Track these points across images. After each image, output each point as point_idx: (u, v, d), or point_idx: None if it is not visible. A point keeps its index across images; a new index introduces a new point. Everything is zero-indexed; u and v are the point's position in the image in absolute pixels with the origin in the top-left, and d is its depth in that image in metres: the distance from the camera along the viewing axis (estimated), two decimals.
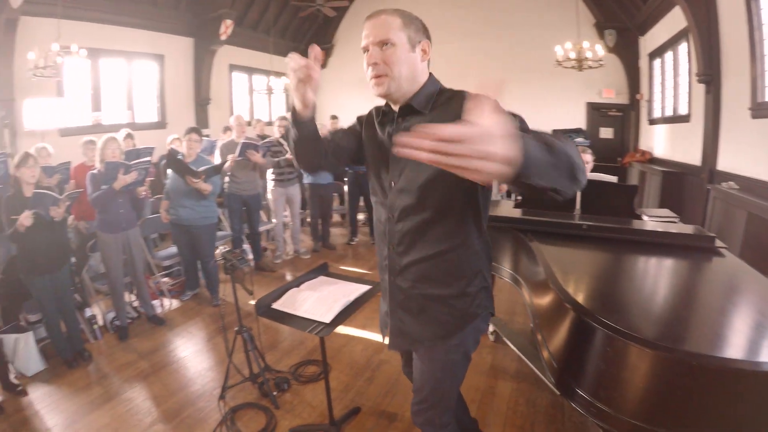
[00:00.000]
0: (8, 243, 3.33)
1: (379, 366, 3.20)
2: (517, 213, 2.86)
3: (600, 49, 6.59)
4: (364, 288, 2.22)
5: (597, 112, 8.97)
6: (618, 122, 8.86)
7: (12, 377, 3.10)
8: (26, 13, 5.49)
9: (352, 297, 2.09)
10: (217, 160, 4.92)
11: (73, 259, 3.91)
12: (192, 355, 3.52)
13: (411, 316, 1.48)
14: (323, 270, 2.51)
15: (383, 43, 1.30)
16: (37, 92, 5.83)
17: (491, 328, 3.46)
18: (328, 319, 1.90)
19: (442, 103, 1.36)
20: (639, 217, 3.13)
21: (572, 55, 6.62)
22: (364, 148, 1.55)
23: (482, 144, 0.67)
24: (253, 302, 2.24)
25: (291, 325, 1.95)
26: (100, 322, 3.87)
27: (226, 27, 8.04)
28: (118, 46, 7.02)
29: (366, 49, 1.33)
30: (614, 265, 2.24)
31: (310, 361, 3.27)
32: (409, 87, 1.35)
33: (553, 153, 0.85)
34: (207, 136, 7.32)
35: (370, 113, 1.56)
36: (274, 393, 2.82)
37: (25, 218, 2.95)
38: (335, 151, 1.53)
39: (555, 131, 8.67)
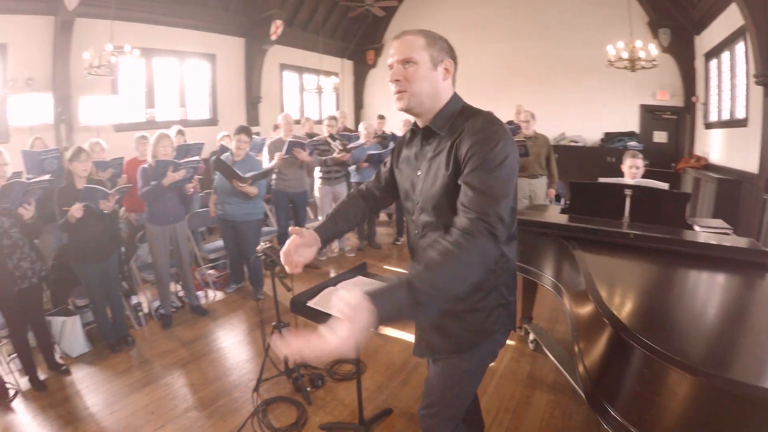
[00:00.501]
0: (60, 232, 3.53)
1: (415, 368, 3.18)
2: (562, 219, 2.78)
3: (653, 49, 6.28)
4: None
5: (651, 114, 8.57)
6: (672, 126, 8.45)
7: (57, 357, 3.31)
8: (81, 14, 5.80)
9: None
10: (265, 158, 5.03)
11: (122, 249, 4.12)
12: (231, 346, 3.62)
13: (431, 328, 1.52)
14: (362, 270, 2.50)
15: (406, 62, 1.35)
16: (92, 90, 6.16)
17: (531, 336, 3.38)
18: None
19: (460, 124, 1.37)
20: (690, 227, 2.96)
21: (624, 55, 6.34)
22: (397, 171, 1.62)
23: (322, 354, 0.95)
24: (291, 297, 2.27)
25: (322, 323, 1.95)
26: (146, 309, 4.05)
27: (276, 27, 8.22)
28: (170, 46, 7.32)
29: (391, 67, 1.39)
30: (660, 278, 2.13)
31: (347, 360, 3.28)
32: (431, 104, 1.39)
33: (417, 302, 1.02)
34: (257, 134, 7.51)
35: (403, 136, 1.61)
36: (308, 389, 2.86)
37: (76, 210, 3.12)
38: (388, 187, 1.71)
39: (607, 133, 8.43)
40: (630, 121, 8.66)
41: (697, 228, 3.08)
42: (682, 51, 7.92)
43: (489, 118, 1.34)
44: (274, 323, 2.92)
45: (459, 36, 10.56)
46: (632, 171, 3.55)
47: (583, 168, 7.08)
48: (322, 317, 1.99)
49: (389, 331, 3.69)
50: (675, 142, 8.43)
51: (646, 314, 1.64)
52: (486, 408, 2.69)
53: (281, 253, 1.51)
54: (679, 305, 1.76)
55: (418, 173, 1.45)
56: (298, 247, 1.52)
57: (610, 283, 1.87)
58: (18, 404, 2.91)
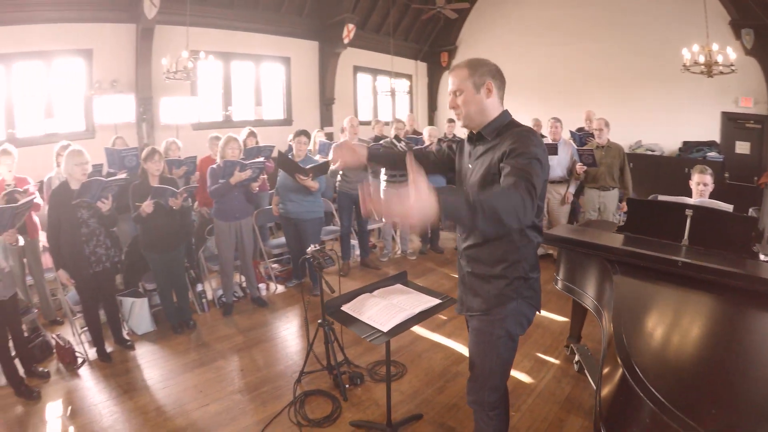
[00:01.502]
0: (133, 223, 3.92)
1: (454, 377, 3.21)
2: (610, 240, 2.68)
3: (731, 52, 5.69)
4: (433, 302, 2.27)
5: (732, 123, 7.76)
6: (755, 136, 7.59)
7: (124, 333, 3.75)
8: (160, 22, 6.34)
9: (416, 310, 2.17)
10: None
11: (193, 240, 4.52)
12: (283, 337, 3.87)
13: (466, 288, 1.89)
14: (402, 278, 2.60)
15: (456, 92, 1.75)
16: (172, 91, 6.72)
17: (576, 357, 3.28)
18: (385, 329, 2.01)
19: (504, 132, 1.70)
20: (755, 256, 2.73)
21: (701, 58, 5.84)
22: (457, 159, 1.99)
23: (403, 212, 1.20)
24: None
25: (352, 328, 2.09)
26: (209, 297, 4.43)
27: (349, 31, 8.48)
28: (247, 50, 7.80)
29: (450, 95, 1.78)
30: (703, 316, 1.95)
31: (390, 361, 3.38)
32: (480, 119, 1.74)
33: (472, 208, 1.26)
34: (331, 134, 7.78)
35: (468, 136, 1.92)
36: (346, 386, 2.99)
37: (147, 206, 3.50)
38: (440, 160, 2.09)
39: (686, 142, 7.83)
40: (710, 130, 7.92)
41: (762, 257, 2.84)
42: (767, 54, 7.17)
43: (528, 129, 1.68)
44: (319, 321, 3.08)
45: (530, 39, 10.34)
46: (699, 188, 3.34)
47: (658, 179, 6.60)
48: (351, 321, 2.12)
49: (436, 337, 3.76)
50: (758, 154, 7.59)
51: (669, 357, 1.50)
52: (516, 427, 2.65)
53: (334, 147, 2.07)
54: (717, 353, 1.55)
55: (470, 166, 1.81)
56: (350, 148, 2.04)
57: (641, 314, 1.80)
58: (84, 371, 3.36)
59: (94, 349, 3.50)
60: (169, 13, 6.36)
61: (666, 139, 8.19)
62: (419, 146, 5.57)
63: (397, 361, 3.36)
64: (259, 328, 3.99)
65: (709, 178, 3.39)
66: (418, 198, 1.18)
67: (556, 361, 3.40)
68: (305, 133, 4.61)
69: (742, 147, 7.78)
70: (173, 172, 4.57)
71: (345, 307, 2.23)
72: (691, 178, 3.46)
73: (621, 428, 1.36)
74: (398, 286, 2.52)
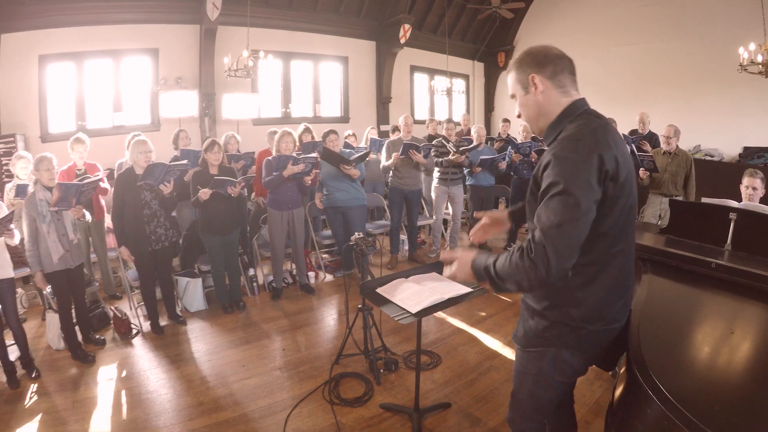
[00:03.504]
0: (193, 208, 4.22)
1: (487, 371, 3.21)
2: (645, 239, 2.60)
3: None
4: (464, 290, 2.29)
5: None
6: None
7: (178, 310, 4.04)
8: (223, 23, 6.73)
9: (446, 296, 2.20)
10: (383, 157, 5.38)
11: (248, 228, 4.79)
12: (326, 323, 4.04)
13: (521, 312, 1.66)
14: (438, 267, 2.63)
15: (513, 98, 1.53)
16: (233, 88, 7.10)
17: None
18: (414, 310, 2.07)
19: (561, 137, 1.39)
20: None
21: (759, 58, 5.41)
22: None
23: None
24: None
25: (384, 309, 2.16)
26: (260, 281, 4.69)
27: (405, 31, 8.59)
28: (305, 50, 8.12)
29: None
30: (733, 322, 1.80)
31: (425, 351, 3.43)
32: (542, 123, 1.47)
33: (490, 277, 1.39)
34: (387, 132, 7.93)
35: None
36: (381, 371, 3.09)
37: (204, 194, 3.78)
38: None
39: (746, 148, 7.23)
40: None
41: None
42: None
43: (575, 135, 1.33)
44: (359, 306, 3.20)
45: (588, 39, 10.01)
46: (748, 192, 3.19)
47: (717, 185, 6.13)
48: (383, 302, 2.20)
49: (474, 331, 3.78)
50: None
51: (687, 360, 1.41)
52: None
53: (473, 231, 1.90)
54: (742, 361, 1.46)
55: None
56: (489, 228, 1.88)
57: (665, 313, 1.72)
58: (137, 341, 3.68)
59: (149, 323, 3.82)
60: (230, 14, 6.73)
61: (726, 144, 7.61)
62: (469, 146, 5.56)
63: (432, 351, 3.42)
64: (304, 313, 4.17)
65: (759, 182, 3.21)
66: (460, 265, 1.49)
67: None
68: (333, 132, 4.77)
69: None
70: (232, 165, 4.83)
71: (380, 290, 2.31)
72: (741, 182, 3.31)
73: (627, 424, 1.34)
74: (433, 273, 2.56)
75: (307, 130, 5.73)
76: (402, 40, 8.67)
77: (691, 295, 2.04)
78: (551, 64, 1.41)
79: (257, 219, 4.97)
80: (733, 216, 2.43)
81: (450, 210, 5.86)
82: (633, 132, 6.14)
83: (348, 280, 4.72)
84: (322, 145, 4.64)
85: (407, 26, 8.54)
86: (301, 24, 7.88)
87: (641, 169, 4.72)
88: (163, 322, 3.90)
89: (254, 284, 4.59)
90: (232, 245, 4.16)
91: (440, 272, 2.60)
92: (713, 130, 7.73)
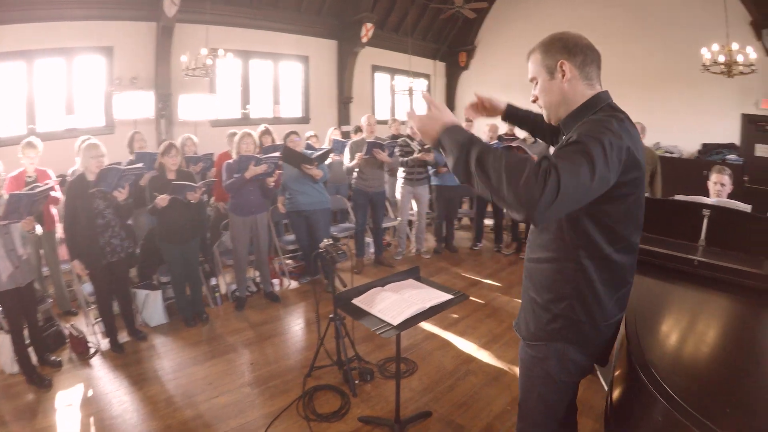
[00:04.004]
0: (149, 215, 3.98)
1: (465, 376, 3.18)
2: None
3: (752, 52, 5.49)
4: (445, 297, 2.24)
5: (753, 125, 7.49)
6: None
7: (137, 325, 3.79)
8: (180, 20, 6.44)
9: (427, 305, 2.13)
10: (346, 157, 5.27)
11: (208, 235, 4.56)
12: (294, 333, 3.88)
13: (523, 305, 1.60)
14: (414, 273, 2.57)
15: (532, 80, 1.47)
16: (191, 89, 6.82)
17: None
18: (396, 322, 1.98)
19: (583, 125, 1.31)
20: None
21: (721, 58, 5.66)
22: None
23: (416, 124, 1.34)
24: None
25: (363, 321, 2.06)
26: (223, 290, 4.46)
27: (367, 30, 8.50)
28: (265, 48, 7.88)
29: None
30: (720, 315, 1.89)
31: (401, 358, 3.36)
32: (563, 111, 1.42)
33: (481, 162, 1.16)
34: (348, 133, 7.81)
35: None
36: (356, 381, 2.97)
37: (161, 200, 3.55)
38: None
39: (705, 144, 7.63)
40: (730, 132, 7.67)
41: None
42: None
43: (608, 116, 1.29)
44: (331, 315, 3.07)
45: None
46: (717, 188, 3.27)
47: (677, 181, 6.44)
48: (361, 314, 2.10)
49: (448, 335, 3.73)
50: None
51: (683, 356, 1.46)
52: None
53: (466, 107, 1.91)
54: (733, 354, 1.52)
55: None
56: (482, 108, 1.90)
57: (654, 312, 1.73)
58: (96, 361, 3.40)
59: (107, 340, 3.55)
60: (189, 11, 6.45)
61: (685, 141, 7.98)
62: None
63: (407, 358, 3.34)
64: (270, 323, 4.00)
65: (727, 179, 3.31)
66: (434, 111, 1.30)
67: None
68: (294, 132, 4.67)
69: (763, 150, 7.52)
70: (191, 168, 4.60)
71: (356, 301, 2.20)
72: (709, 179, 3.40)
73: (632, 427, 1.32)
74: (410, 280, 2.50)
75: (266, 131, 5.56)
76: (364, 40, 8.57)
77: (676, 292, 2.05)
78: (582, 53, 1.37)
79: (218, 225, 4.76)
80: (706, 212, 2.47)
81: (415, 210, 5.83)
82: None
83: (319, 289, 4.65)
84: (284, 145, 4.49)
85: (369, 25, 8.45)
86: (261, 22, 7.64)
87: None
88: (123, 338, 3.63)
89: (217, 294, 4.37)
90: (193, 254, 3.94)
91: (417, 278, 2.54)
92: (673, 128, 8.05)
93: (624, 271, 1.41)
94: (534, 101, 1.49)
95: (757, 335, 1.72)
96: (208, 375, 3.16)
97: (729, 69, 5.67)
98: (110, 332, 3.52)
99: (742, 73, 5.67)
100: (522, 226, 6.04)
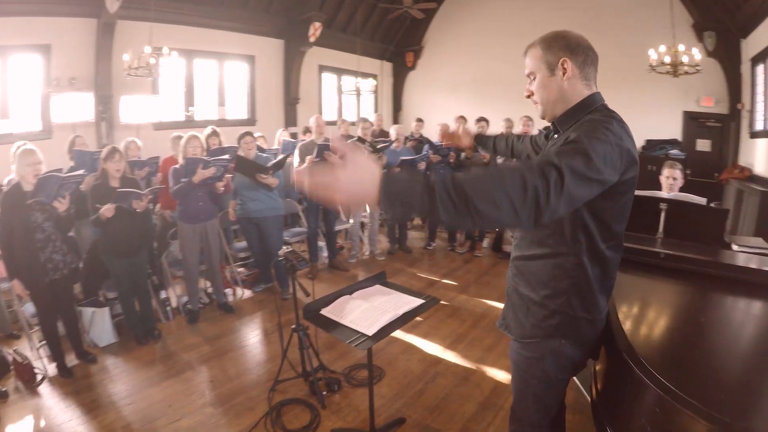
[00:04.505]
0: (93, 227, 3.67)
1: (433, 379, 3.17)
2: None
3: (697, 53, 5.96)
4: (416, 302, 2.19)
5: (694, 122, 8.15)
6: (716, 134, 8.01)
7: (85, 346, 3.49)
8: (122, 17, 6.05)
9: (400, 311, 2.07)
10: (296, 160, 5.12)
11: (155, 245, 4.28)
12: (253, 345, 3.71)
13: (510, 304, 1.61)
14: (380, 279, 2.50)
15: (530, 75, 1.45)
16: (133, 90, 6.41)
17: None
18: (371, 332, 1.90)
19: (579, 125, 1.33)
20: (728, 246, 2.82)
21: (667, 59, 6.06)
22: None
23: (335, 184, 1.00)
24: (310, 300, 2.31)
25: (334, 333, 1.98)
26: (174, 304, 4.20)
27: (315, 29, 8.33)
28: (210, 48, 7.54)
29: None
30: (688, 304, 2.00)
31: (365, 365, 3.28)
32: (560, 107, 1.42)
33: (431, 190, 0.98)
34: (295, 134, 7.63)
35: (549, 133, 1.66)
36: (324, 392, 2.88)
37: (107, 210, 3.27)
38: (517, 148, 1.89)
39: (649, 140, 8.11)
40: (672, 129, 8.26)
41: (735, 247, 2.92)
42: (727, 55, 7.45)
43: (605, 118, 1.30)
44: (293, 326, 2.95)
45: (499, 39, 10.44)
46: (669, 182, 3.41)
47: None
48: (332, 326, 2.01)
49: (412, 339, 3.69)
50: (718, 152, 7.99)
51: (665, 346, 1.53)
52: (501, 426, 2.67)
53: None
54: (705, 338, 1.63)
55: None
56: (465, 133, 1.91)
57: (630, 305, 1.78)
58: (44, 389, 3.09)
59: (54, 365, 3.24)
60: (131, 8, 6.06)
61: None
62: (383, 145, 5.51)
63: (374, 364, 3.24)
64: (227, 336, 3.81)
65: (678, 173, 3.47)
66: (353, 171, 0.98)
67: None
68: (249, 134, 4.49)
69: (703, 144, 8.15)
70: (135, 173, 4.31)
71: (325, 311, 2.11)
72: (660, 174, 3.54)
73: (627, 422, 1.35)
74: (377, 286, 2.43)
75: (214, 133, 5.37)
76: (312, 39, 8.42)
77: (645, 284, 2.12)
78: (583, 53, 1.38)
79: (164, 234, 4.48)
80: (663, 206, 2.58)
81: (366, 212, 5.77)
82: (547, 128, 6.47)
83: (267, 294, 4.51)
84: (235, 153, 4.30)
85: (318, 24, 8.30)
86: (206, 20, 7.28)
87: None
88: (71, 362, 3.32)
89: (168, 308, 4.09)
90: (141, 267, 3.67)
91: (384, 284, 2.48)
92: None
93: (613, 266, 1.45)
94: (528, 96, 1.48)
95: (708, 313, 1.88)
96: (166, 397, 2.95)
97: (675, 69, 6.05)
98: (57, 356, 3.21)
99: (687, 72, 6.08)
100: None
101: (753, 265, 2.14)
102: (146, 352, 3.54)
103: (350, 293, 2.30)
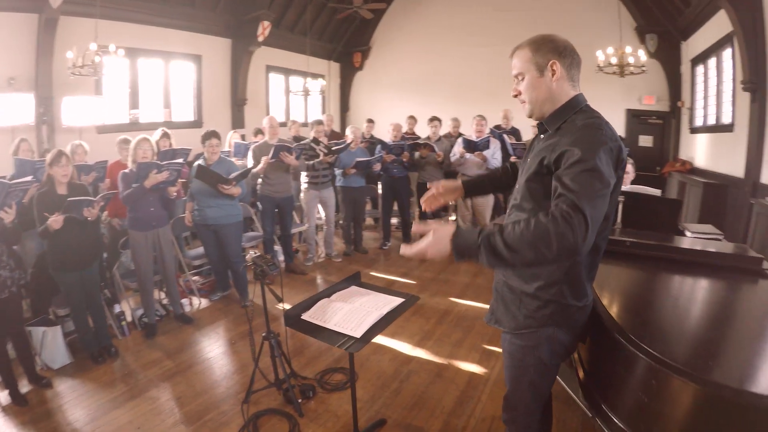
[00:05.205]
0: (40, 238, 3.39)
1: (407, 377, 3.15)
2: None
3: (642, 55, 6.33)
4: (397, 301, 2.16)
5: (636, 119, 8.68)
6: (658, 130, 8.58)
7: (38, 369, 3.18)
8: (66, 12, 5.64)
9: (384, 310, 2.03)
10: (249, 162, 4.95)
11: (104, 256, 3.99)
12: (218, 356, 3.52)
13: (500, 298, 1.65)
14: (355, 279, 2.45)
15: (518, 76, 1.51)
16: (75, 90, 5.98)
17: None
18: (358, 334, 1.84)
19: (567, 126, 1.43)
20: (682, 233, 2.99)
21: (614, 60, 6.38)
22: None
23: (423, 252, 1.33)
24: (280, 306, 2.21)
25: (320, 338, 1.91)
26: (129, 318, 3.93)
27: (264, 28, 8.11)
28: (156, 46, 7.15)
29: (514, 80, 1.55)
30: (655, 285, 2.14)
31: (337, 369, 3.23)
32: (548, 107, 1.49)
33: (510, 249, 1.22)
34: (243, 136, 7.40)
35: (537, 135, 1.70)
36: (299, 400, 2.78)
37: (54, 222, 3.00)
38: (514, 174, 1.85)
39: None
40: (616, 126, 8.63)
41: (688, 234, 3.11)
42: (668, 56, 8.07)
43: (595, 123, 1.39)
44: (263, 334, 2.83)
45: (445, 39, 10.56)
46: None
47: None
48: (317, 331, 1.93)
49: (379, 339, 3.59)
50: (660, 147, 8.55)
51: (646, 323, 1.63)
52: (481, 416, 2.72)
53: (425, 198, 1.81)
54: (676, 314, 1.79)
55: (528, 161, 1.55)
56: (440, 195, 1.84)
57: (605, 290, 1.88)
58: None
59: (7, 392, 2.92)
60: (75, 3, 5.66)
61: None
62: (340, 147, 5.46)
63: (345, 367, 3.23)
64: (188, 349, 3.61)
65: (630, 167, 3.65)
66: (434, 239, 1.30)
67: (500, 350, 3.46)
68: (215, 135, 4.28)
69: (645, 140, 8.67)
70: (82, 179, 4.01)
71: (306, 316, 2.02)
72: None
73: (621, 396, 1.46)
74: (353, 287, 2.37)
75: (165, 135, 5.14)
76: (260, 38, 8.19)
77: (614, 271, 2.20)
78: (570, 56, 1.47)
79: (115, 244, 4.20)
80: (621, 198, 2.69)
81: (322, 214, 5.70)
82: (497, 127, 6.63)
83: (225, 303, 4.37)
84: (194, 161, 4.11)
85: (267, 23, 8.09)
86: (152, 17, 6.89)
87: (512, 157, 5.09)
88: (24, 388, 3.00)
89: (123, 323, 3.81)
90: (93, 280, 3.41)
91: (359, 285, 2.42)
92: None
93: (599, 255, 1.53)
94: (516, 96, 1.53)
95: (674, 292, 2.08)
96: (133, 419, 2.73)
97: (621, 70, 6.37)
98: (9, 382, 2.90)
99: (632, 73, 6.43)
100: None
101: (712, 249, 2.35)
102: (104, 371, 3.27)
103: (328, 296, 2.23)
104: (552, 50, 1.44)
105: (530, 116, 1.54)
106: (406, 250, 1.37)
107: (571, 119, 1.44)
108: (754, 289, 2.03)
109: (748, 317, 1.78)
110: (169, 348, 3.60)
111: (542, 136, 1.54)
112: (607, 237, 1.51)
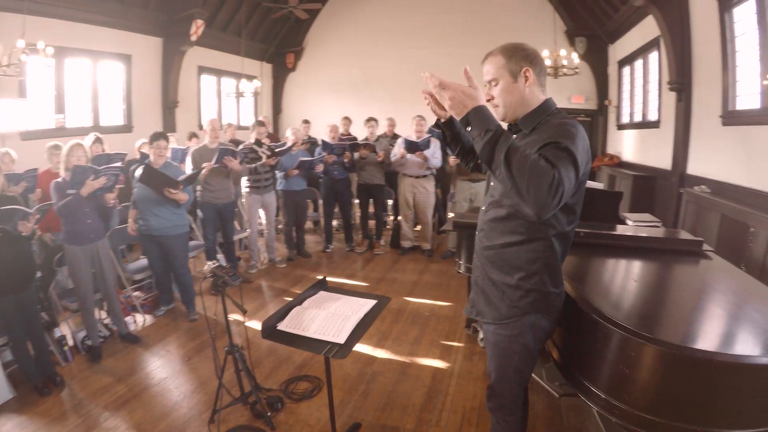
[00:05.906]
0: None
1: (373, 378, 3.15)
2: None
3: (576, 57, 6.73)
4: (370, 303, 2.15)
5: None
6: (586, 127, 9.12)
7: None
8: None
9: (361, 313, 2.01)
10: (188, 167, 4.72)
11: (38, 275, 3.63)
12: (173, 375, 3.30)
13: (480, 291, 1.74)
14: (322, 285, 2.41)
15: (491, 82, 1.60)
16: None
17: (480, 334, 3.45)
18: (342, 340, 1.81)
19: (543, 126, 1.54)
20: (623, 222, 3.22)
21: (548, 62, 6.74)
22: None
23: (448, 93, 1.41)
24: (235, 317, 2.10)
25: (301, 347, 1.85)
26: (71, 342, 3.59)
27: (197, 27, 7.75)
28: (83, 45, 6.61)
29: (485, 85, 1.62)
30: (613, 270, 2.32)
31: (301, 377, 3.16)
32: (521, 110, 1.59)
33: (498, 138, 1.34)
34: (174, 140, 7.02)
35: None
36: (269, 413, 2.68)
37: None
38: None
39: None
40: None
41: (629, 222, 3.37)
42: (596, 58, 8.65)
43: (572, 122, 1.50)
44: (226, 347, 2.70)
45: (381, 40, 10.62)
46: None
47: None
48: (297, 341, 1.87)
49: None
50: (589, 142, 9.11)
51: (617, 305, 1.78)
52: (452, 409, 2.78)
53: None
54: (641, 293, 1.99)
55: None
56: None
57: (570, 278, 1.99)
58: None
59: None
60: None
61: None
62: (282, 149, 5.38)
63: (309, 375, 3.19)
64: (139, 371, 3.36)
65: None
66: (473, 87, 1.40)
67: (461, 344, 3.61)
68: (164, 136, 4.06)
69: None
70: (11, 190, 3.65)
71: (282, 326, 1.95)
72: None
73: (599, 369, 1.60)
74: (321, 293, 2.33)
75: (97, 140, 4.86)
76: (193, 38, 7.83)
77: (571, 259, 2.35)
78: (539, 64, 1.59)
79: (49, 262, 3.84)
80: None
81: (262, 219, 5.58)
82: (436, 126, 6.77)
83: (172, 318, 4.17)
84: (147, 164, 3.87)
85: (200, 22, 7.73)
86: (79, 13, 6.35)
87: (451, 157, 5.19)
88: None
89: (65, 348, 3.47)
90: (31, 303, 3.08)
91: (326, 289, 2.37)
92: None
93: (570, 244, 1.66)
94: (489, 100, 1.58)
95: (631, 275, 2.30)
96: None
97: (556, 71, 6.70)
98: None
99: (566, 74, 6.77)
100: (372, 223, 6.31)
101: (659, 235, 2.63)
102: (52, 404, 2.95)
103: (300, 303, 2.17)
104: (524, 58, 1.55)
105: (503, 119, 1.63)
106: (432, 73, 1.43)
107: (545, 120, 1.55)
108: (696, 268, 2.31)
109: (685, 288, 2.11)
110: (119, 371, 3.34)
111: (515, 136, 1.60)
112: (574, 227, 1.63)
